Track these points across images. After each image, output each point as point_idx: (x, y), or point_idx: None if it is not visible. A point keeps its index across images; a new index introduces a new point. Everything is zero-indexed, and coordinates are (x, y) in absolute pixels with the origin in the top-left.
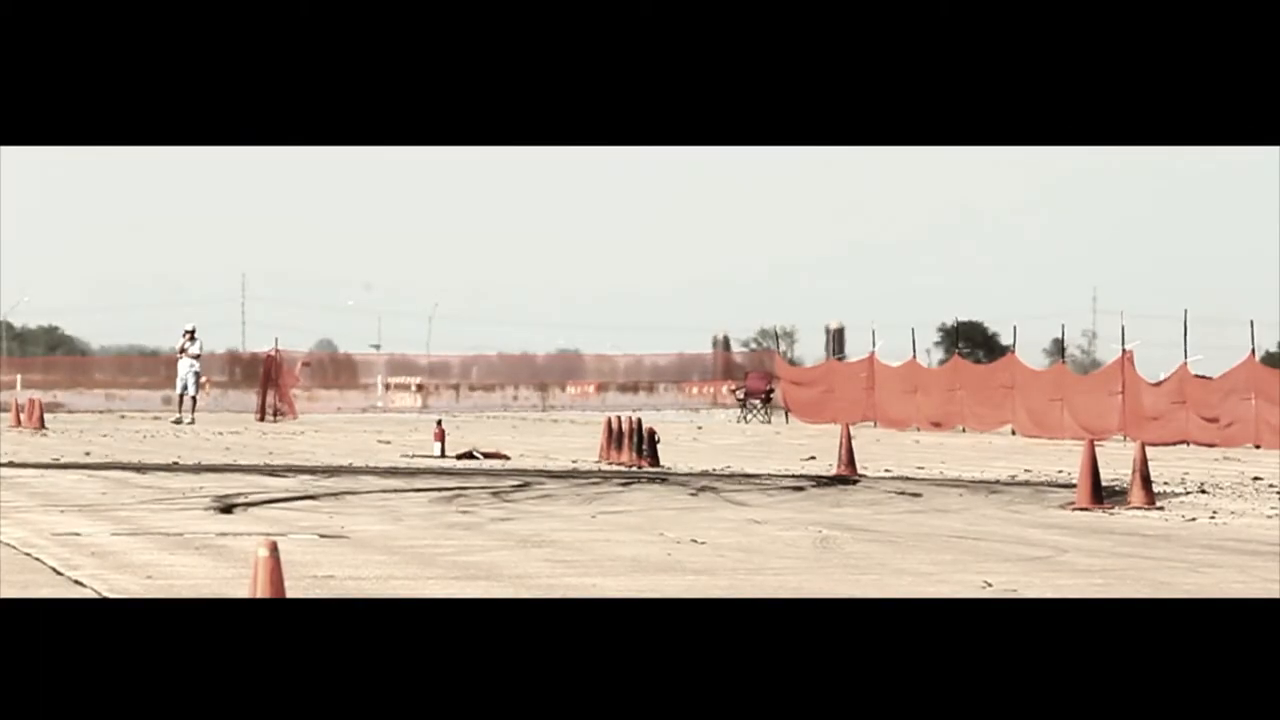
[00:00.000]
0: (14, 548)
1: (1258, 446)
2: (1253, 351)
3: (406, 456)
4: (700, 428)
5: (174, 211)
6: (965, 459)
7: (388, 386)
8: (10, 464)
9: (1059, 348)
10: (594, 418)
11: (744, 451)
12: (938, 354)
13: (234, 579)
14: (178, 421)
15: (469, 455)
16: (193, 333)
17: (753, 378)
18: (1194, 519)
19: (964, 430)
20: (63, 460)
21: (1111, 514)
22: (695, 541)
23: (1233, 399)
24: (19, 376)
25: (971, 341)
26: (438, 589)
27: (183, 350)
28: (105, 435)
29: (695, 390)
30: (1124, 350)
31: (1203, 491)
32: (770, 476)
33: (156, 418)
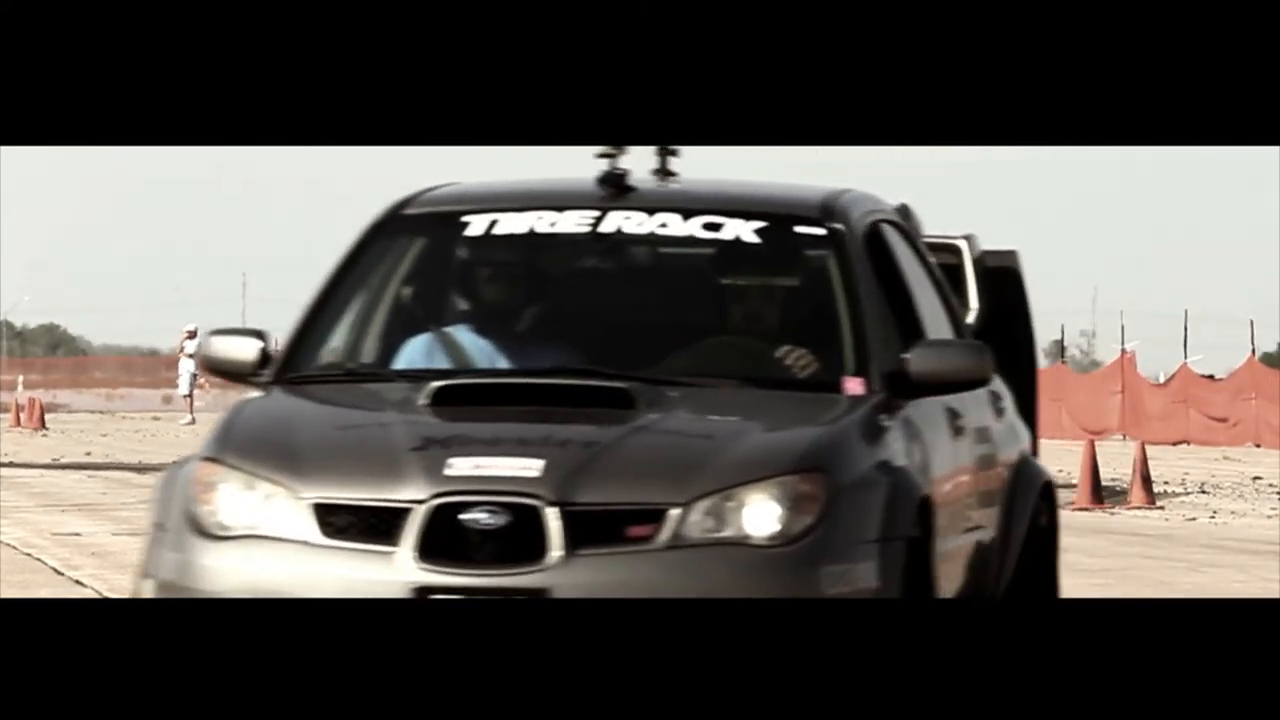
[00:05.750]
0: (14, 548)
1: (1258, 446)
2: (1253, 351)
3: None
4: None
5: (176, 211)
6: None
7: None
8: (11, 464)
9: (1059, 348)
10: None
11: None
12: None
13: None
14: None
15: None
16: (193, 333)
17: None
18: (1194, 519)
19: None
20: (63, 460)
21: (1112, 514)
22: None
23: (1233, 398)
24: (20, 376)
25: None
26: None
27: (181, 349)
28: (105, 435)
29: None
30: (1123, 350)
31: (1203, 491)
32: None
33: (156, 418)
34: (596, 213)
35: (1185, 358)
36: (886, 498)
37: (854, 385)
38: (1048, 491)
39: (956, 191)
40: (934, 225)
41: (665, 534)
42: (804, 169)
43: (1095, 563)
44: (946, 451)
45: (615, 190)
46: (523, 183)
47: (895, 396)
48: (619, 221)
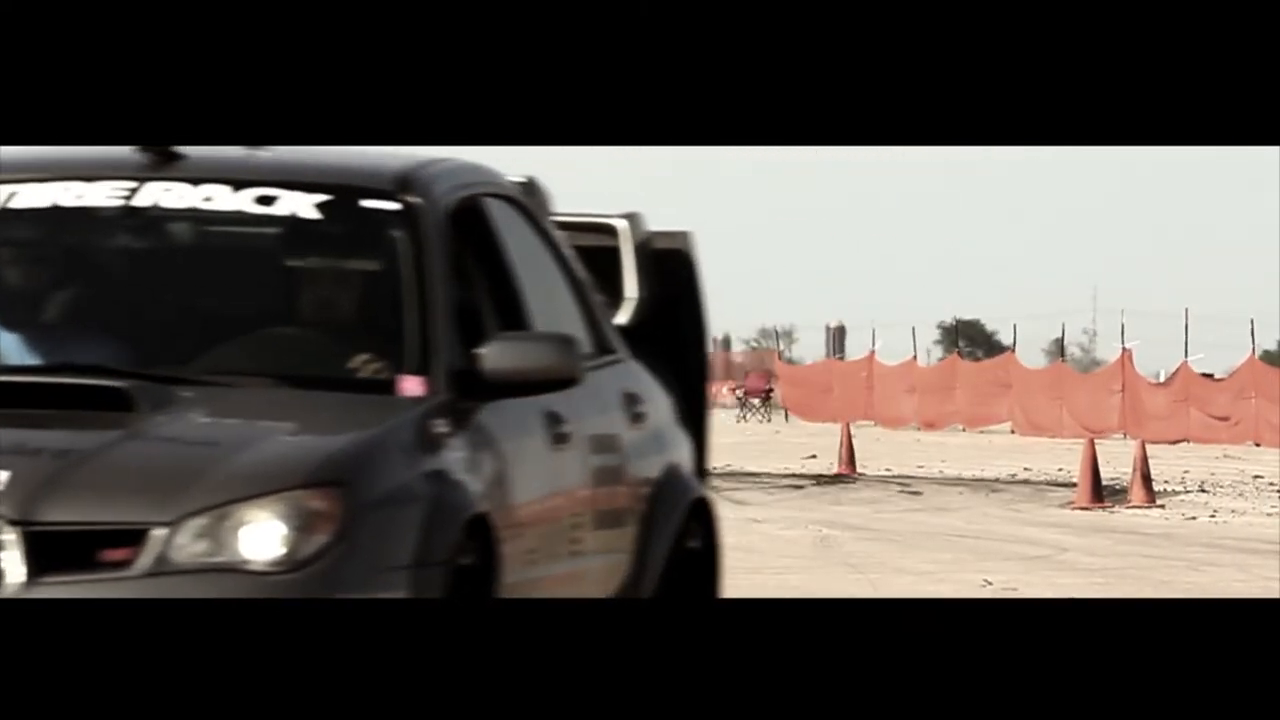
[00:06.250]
0: None
1: (1258, 444)
2: (1253, 350)
3: None
4: None
5: None
6: (965, 458)
7: None
8: None
9: (1059, 347)
10: None
11: (744, 450)
12: (938, 353)
13: None
14: None
15: None
16: None
17: (752, 377)
18: (1194, 517)
19: (963, 429)
20: None
21: (1112, 512)
22: None
23: (1233, 397)
24: None
25: (971, 340)
26: None
27: None
28: None
29: None
30: (1124, 349)
31: (1203, 490)
32: (770, 475)
33: None
34: (132, 184)
35: (1186, 357)
36: (425, 516)
37: (412, 385)
38: (701, 510)
39: (957, 191)
40: (937, 228)
41: (147, 558)
42: (800, 166)
43: (1095, 562)
44: (537, 463)
45: (158, 158)
46: (53, 150)
47: (465, 398)
48: (157, 194)
